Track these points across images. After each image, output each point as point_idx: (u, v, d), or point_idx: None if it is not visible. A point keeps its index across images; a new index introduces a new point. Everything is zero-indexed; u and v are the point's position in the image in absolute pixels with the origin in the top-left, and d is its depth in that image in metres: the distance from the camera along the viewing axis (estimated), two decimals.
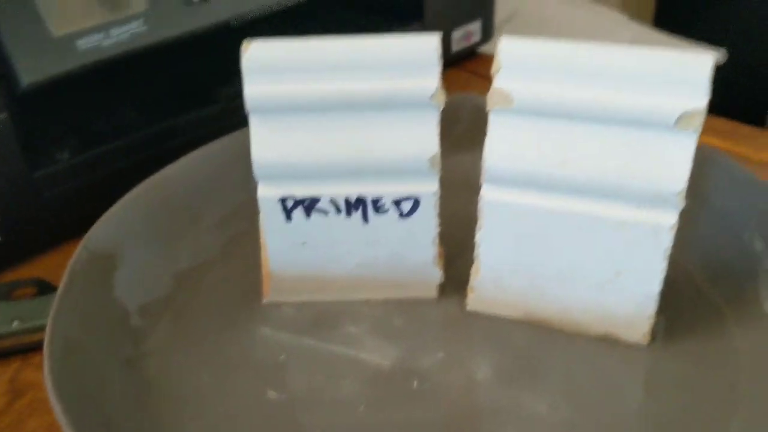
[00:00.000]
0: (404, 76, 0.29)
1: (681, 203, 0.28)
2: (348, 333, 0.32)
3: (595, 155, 0.28)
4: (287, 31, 0.45)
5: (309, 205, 0.32)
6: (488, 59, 0.31)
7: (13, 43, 0.33)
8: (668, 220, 0.28)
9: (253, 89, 0.30)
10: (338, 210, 0.32)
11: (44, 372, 0.27)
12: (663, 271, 0.29)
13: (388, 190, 0.31)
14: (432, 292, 0.34)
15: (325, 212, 0.32)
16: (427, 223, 0.32)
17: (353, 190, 0.31)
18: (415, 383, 0.30)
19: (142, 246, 0.34)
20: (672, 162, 0.27)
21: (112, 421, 0.27)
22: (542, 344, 0.31)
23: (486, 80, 0.29)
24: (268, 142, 0.31)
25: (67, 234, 0.39)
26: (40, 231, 0.39)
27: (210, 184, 0.37)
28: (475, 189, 0.31)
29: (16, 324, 0.33)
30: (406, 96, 0.30)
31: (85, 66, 0.35)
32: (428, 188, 0.31)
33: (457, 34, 0.52)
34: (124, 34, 0.35)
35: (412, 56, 0.29)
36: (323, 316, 0.33)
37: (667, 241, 0.29)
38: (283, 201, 0.31)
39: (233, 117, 0.33)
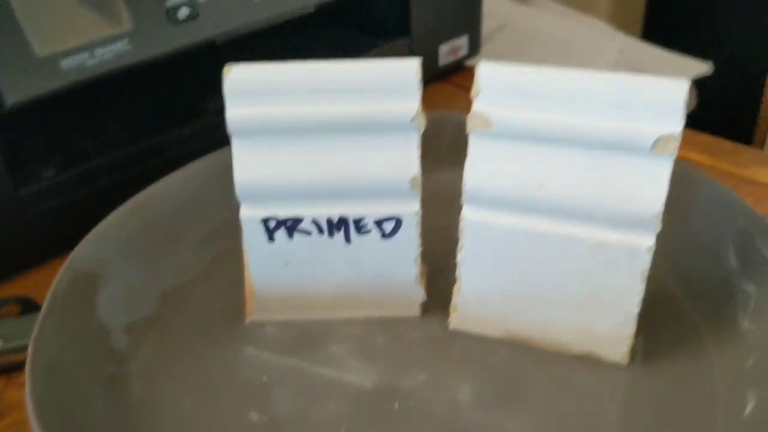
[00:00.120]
0: (385, 99, 0.30)
1: (658, 226, 0.28)
2: (331, 353, 0.33)
3: (573, 178, 0.29)
4: (273, 48, 0.46)
5: (291, 226, 0.32)
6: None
7: None
8: (645, 242, 0.29)
9: (235, 112, 0.30)
10: (321, 230, 0.32)
11: (26, 393, 0.27)
12: (641, 292, 0.30)
13: (370, 210, 0.32)
14: (415, 310, 0.34)
15: (307, 232, 0.32)
16: (409, 242, 0.32)
17: (335, 211, 0.32)
18: (397, 404, 0.30)
19: (126, 265, 0.34)
20: (648, 185, 0.28)
21: None
22: (524, 364, 0.32)
23: None
24: (251, 164, 0.31)
25: (52, 251, 0.39)
26: (25, 248, 0.39)
27: (194, 203, 0.37)
28: (458, 205, 0.31)
29: None
30: (387, 119, 0.30)
31: (70, 85, 0.35)
32: (410, 209, 0.32)
33: (444, 48, 0.53)
34: (109, 54, 0.35)
35: (393, 79, 0.29)
36: (306, 336, 0.33)
37: (644, 263, 0.29)
38: (265, 222, 0.32)
39: (219, 133, 0.33)
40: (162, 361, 0.32)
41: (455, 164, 0.31)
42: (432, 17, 0.50)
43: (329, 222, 0.32)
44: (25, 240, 0.38)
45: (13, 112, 0.35)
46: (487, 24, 0.65)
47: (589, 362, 0.32)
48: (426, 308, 0.34)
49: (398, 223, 0.32)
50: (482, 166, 0.30)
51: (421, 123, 0.30)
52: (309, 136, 0.30)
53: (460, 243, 0.31)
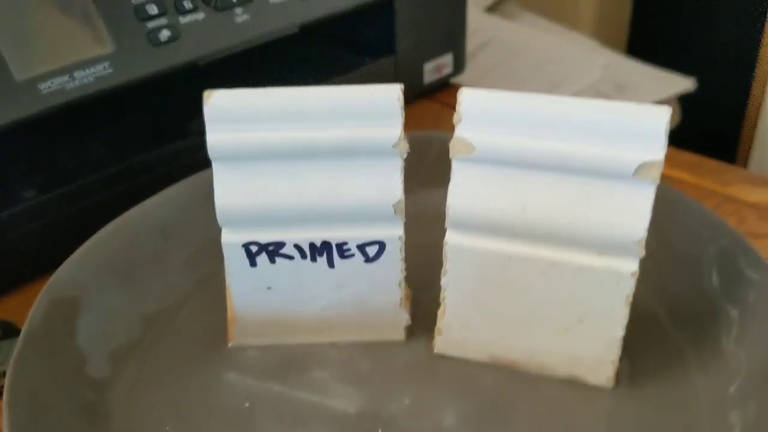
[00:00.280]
0: (367, 124, 0.29)
1: (641, 251, 0.28)
2: (314, 378, 0.32)
3: (556, 203, 0.28)
4: (257, 68, 0.46)
5: (273, 251, 0.32)
6: None
7: None
8: (629, 267, 0.29)
9: (216, 137, 0.30)
10: (303, 255, 0.32)
11: (3, 421, 0.26)
12: (625, 316, 0.30)
13: (353, 235, 0.31)
14: (399, 334, 0.34)
15: (290, 257, 0.32)
16: (392, 266, 0.32)
17: (318, 236, 0.31)
18: (380, 430, 0.30)
19: (107, 289, 0.34)
20: (631, 211, 0.28)
21: None
22: (509, 388, 0.32)
23: None
24: (232, 189, 0.30)
25: (33, 274, 0.38)
26: (5, 271, 0.38)
27: (176, 225, 0.37)
28: (443, 225, 0.31)
29: None
30: (370, 144, 0.30)
31: (50, 109, 0.34)
32: (393, 233, 0.31)
33: (428, 66, 0.53)
34: (90, 77, 0.35)
35: (375, 105, 0.29)
36: (289, 360, 0.33)
37: (628, 287, 0.29)
38: (247, 246, 0.31)
39: (201, 153, 0.33)
40: (143, 387, 0.32)
41: (440, 183, 0.31)
42: (417, 36, 0.50)
43: (312, 246, 0.32)
44: (5, 263, 0.38)
45: None
46: (473, 40, 0.66)
47: (574, 386, 0.31)
48: (411, 331, 0.34)
49: (382, 247, 0.32)
50: (465, 192, 0.30)
51: (404, 148, 0.30)
52: (291, 161, 0.30)
53: (444, 267, 0.31)
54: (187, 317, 0.35)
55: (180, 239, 0.37)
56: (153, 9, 0.37)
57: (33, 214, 0.38)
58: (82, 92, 0.35)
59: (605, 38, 0.85)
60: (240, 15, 0.40)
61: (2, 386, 0.31)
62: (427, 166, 0.39)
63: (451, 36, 0.53)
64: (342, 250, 0.32)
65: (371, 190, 0.30)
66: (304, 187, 0.30)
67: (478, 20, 0.70)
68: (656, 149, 0.27)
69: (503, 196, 0.29)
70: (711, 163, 0.47)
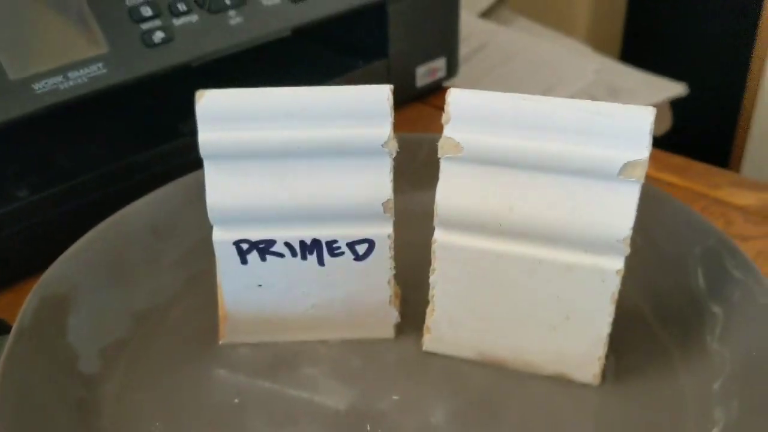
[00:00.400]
0: (357, 124, 0.30)
1: (626, 249, 0.29)
2: (304, 375, 0.33)
3: (542, 202, 0.29)
4: (250, 70, 0.46)
5: (264, 248, 0.32)
6: None
7: None
8: (614, 265, 0.29)
9: (207, 137, 0.30)
10: (294, 253, 0.32)
11: None
12: (611, 314, 0.30)
13: (343, 233, 0.32)
14: (389, 332, 0.34)
15: (280, 255, 0.32)
16: (382, 264, 0.33)
17: (308, 234, 0.32)
18: (368, 427, 0.30)
19: (99, 287, 0.34)
20: (616, 210, 0.28)
21: None
22: (496, 385, 0.32)
23: None
24: (223, 188, 0.31)
25: (25, 272, 0.39)
26: None
27: (167, 224, 0.37)
28: (432, 225, 0.31)
29: None
30: (359, 144, 0.30)
31: (44, 109, 0.35)
32: (382, 231, 0.32)
33: (421, 70, 0.53)
34: (83, 77, 0.35)
35: (365, 105, 0.30)
36: (280, 357, 0.33)
37: (613, 285, 0.29)
38: (238, 244, 0.32)
39: (194, 153, 0.33)
40: (134, 384, 0.32)
41: (429, 185, 0.31)
42: (410, 40, 0.51)
43: (302, 244, 0.32)
44: None
45: None
46: (467, 45, 0.66)
47: (561, 383, 0.32)
48: (401, 329, 0.34)
49: (371, 245, 0.32)
50: (453, 191, 0.30)
51: (393, 148, 0.30)
52: (281, 160, 0.31)
53: (432, 266, 0.32)
54: (178, 315, 0.35)
55: (171, 238, 0.37)
56: (147, 11, 0.38)
57: (26, 213, 0.38)
58: (76, 92, 0.35)
59: (599, 44, 0.86)
60: (233, 17, 0.41)
61: None
62: (416, 168, 0.40)
63: (444, 40, 0.53)
64: (332, 248, 0.32)
65: (361, 188, 0.31)
66: (295, 185, 0.31)
67: (472, 25, 0.70)
68: (641, 148, 0.27)
69: (491, 195, 0.29)
70: (699, 167, 0.47)
